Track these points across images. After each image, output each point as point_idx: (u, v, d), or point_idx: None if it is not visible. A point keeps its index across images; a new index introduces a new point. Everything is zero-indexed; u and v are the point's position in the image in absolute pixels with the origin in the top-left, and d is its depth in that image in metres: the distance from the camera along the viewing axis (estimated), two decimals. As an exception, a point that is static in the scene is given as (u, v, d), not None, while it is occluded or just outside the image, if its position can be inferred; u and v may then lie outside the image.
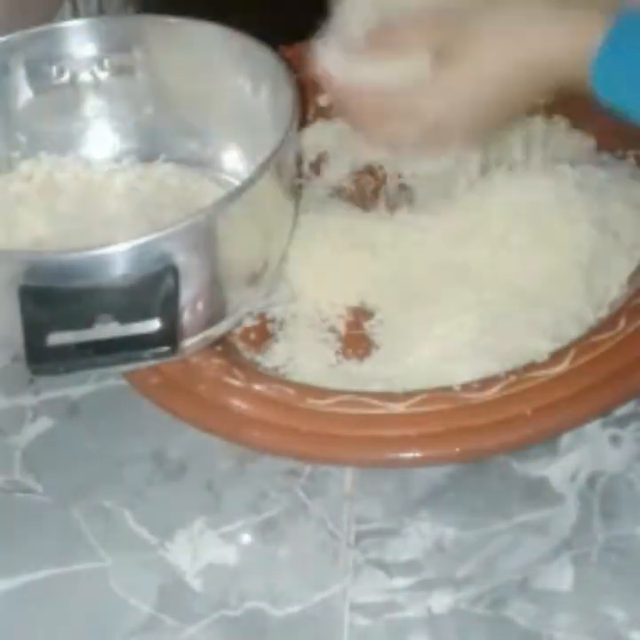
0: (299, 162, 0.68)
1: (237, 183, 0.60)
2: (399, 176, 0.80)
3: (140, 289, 0.56)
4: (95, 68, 0.74)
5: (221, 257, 0.61)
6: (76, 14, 0.91)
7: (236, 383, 0.63)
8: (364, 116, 0.67)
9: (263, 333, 0.70)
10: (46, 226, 0.69)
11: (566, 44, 0.60)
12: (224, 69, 0.72)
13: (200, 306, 0.61)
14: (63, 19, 0.86)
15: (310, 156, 0.81)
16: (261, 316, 0.71)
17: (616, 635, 0.55)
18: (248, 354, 0.69)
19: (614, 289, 0.67)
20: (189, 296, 0.59)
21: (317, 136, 0.83)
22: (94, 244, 0.58)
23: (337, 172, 0.81)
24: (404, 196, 0.78)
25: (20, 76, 0.72)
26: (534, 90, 0.64)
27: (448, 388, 0.62)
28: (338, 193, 0.80)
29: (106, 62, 0.74)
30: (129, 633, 0.57)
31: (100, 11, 0.96)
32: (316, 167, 0.81)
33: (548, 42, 0.60)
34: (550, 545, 0.58)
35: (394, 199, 0.78)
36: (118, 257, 0.56)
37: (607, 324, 0.63)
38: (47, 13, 0.86)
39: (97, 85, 0.75)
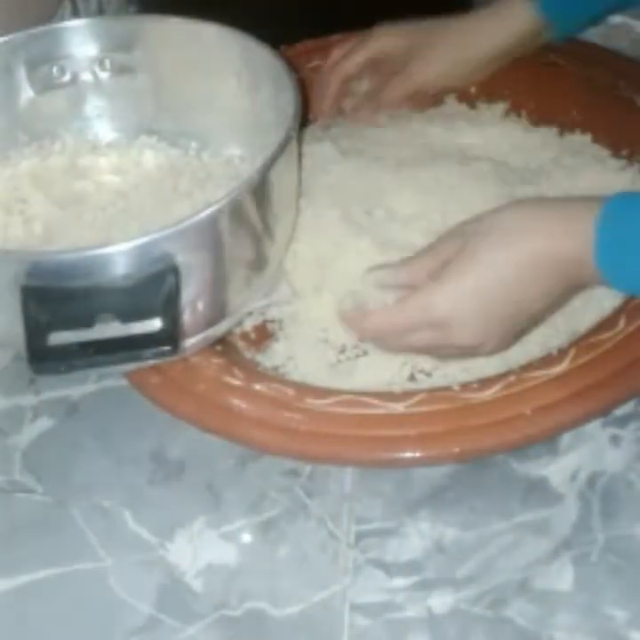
0: (299, 162, 0.68)
1: (238, 183, 0.60)
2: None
3: (142, 288, 0.56)
4: (96, 67, 0.74)
5: (222, 257, 0.60)
6: (76, 14, 0.91)
7: (236, 383, 0.63)
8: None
9: (263, 333, 0.70)
10: (44, 226, 0.70)
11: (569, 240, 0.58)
12: (224, 69, 0.72)
13: (201, 305, 0.61)
14: (63, 19, 0.86)
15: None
16: (261, 316, 0.71)
17: (616, 635, 0.55)
18: (248, 353, 0.69)
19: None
20: (190, 296, 0.59)
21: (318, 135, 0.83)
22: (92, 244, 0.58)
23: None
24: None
25: (21, 76, 0.72)
26: (551, 288, 0.60)
27: (448, 388, 0.62)
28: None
29: (107, 62, 0.74)
30: (129, 633, 0.57)
31: (100, 11, 0.96)
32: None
33: (551, 239, 0.58)
34: (550, 545, 0.59)
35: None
36: (119, 256, 0.56)
37: (607, 323, 0.63)
38: (47, 13, 0.86)
39: (98, 85, 0.75)
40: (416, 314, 0.61)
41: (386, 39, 0.81)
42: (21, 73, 0.72)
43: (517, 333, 0.62)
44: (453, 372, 0.66)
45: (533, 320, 0.62)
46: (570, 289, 0.61)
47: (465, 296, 0.60)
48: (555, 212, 0.60)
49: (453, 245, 0.61)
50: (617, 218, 0.57)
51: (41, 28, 0.73)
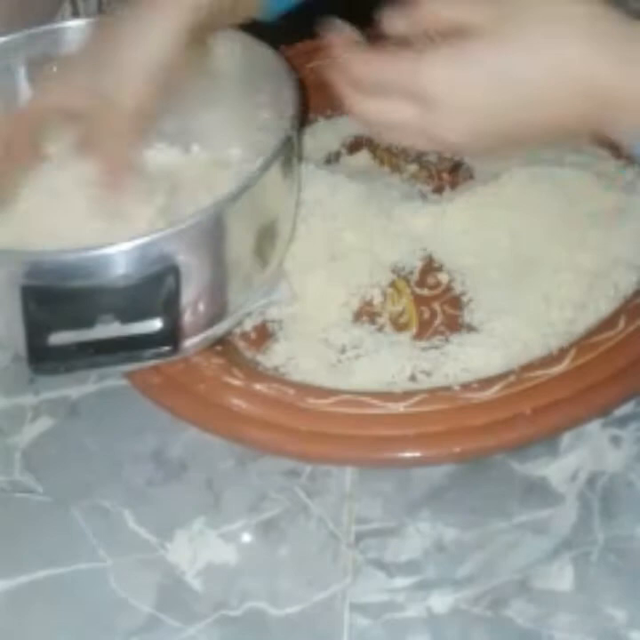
0: (299, 162, 0.68)
1: (238, 183, 0.60)
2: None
3: (142, 289, 0.56)
4: (96, 67, 0.74)
5: (222, 257, 0.61)
6: (75, 14, 0.91)
7: (236, 383, 0.63)
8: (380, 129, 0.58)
9: (263, 333, 0.70)
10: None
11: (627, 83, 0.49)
12: (224, 69, 0.72)
13: (201, 306, 0.61)
14: (63, 19, 0.86)
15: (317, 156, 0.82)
16: (261, 316, 0.71)
17: (616, 635, 0.55)
18: (248, 353, 0.69)
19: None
20: (190, 296, 0.59)
21: (318, 135, 0.83)
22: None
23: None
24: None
25: (21, 76, 0.72)
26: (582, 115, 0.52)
27: (448, 388, 0.62)
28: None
29: (107, 62, 0.74)
30: (129, 633, 0.57)
31: (100, 11, 0.96)
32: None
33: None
34: (550, 545, 0.58)
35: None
36: (120, 257, 0.56)
37: (607, 324, 0.63)
38: (47, 13, 0.86)
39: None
40: (404, 75, 0.52)
41: None
42: (22, 73, 0.72)
43: (509, 146, 0.56)
44: (454, 372, 0.66)
45: (535, 138, 0.54)
46: (592, 118, 0.52)
47: (471, 78, 0.51)
48: (617, 26, 0.50)
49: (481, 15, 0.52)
50: None
51: (41, 28, 0.73)
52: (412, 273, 0.73)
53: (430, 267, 0.73)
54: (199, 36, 0.64)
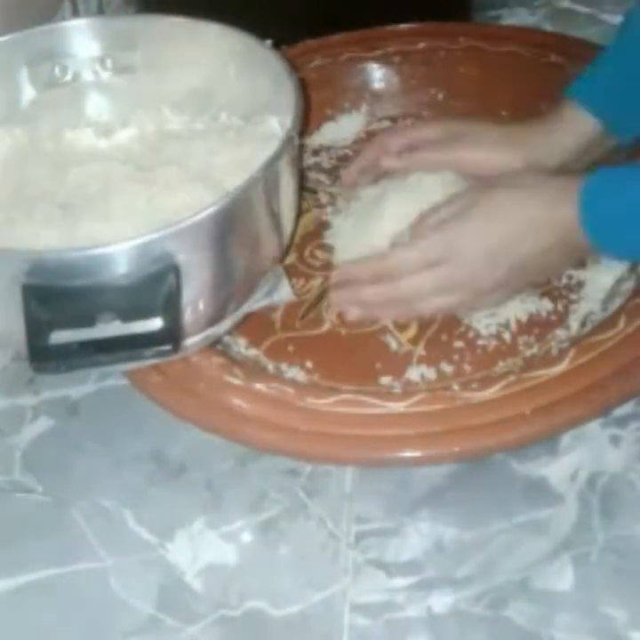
0: (300, 161, 0.68)
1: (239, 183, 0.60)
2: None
3: (142, 288, 0.56)
4: (97, 67, 0.74)
5: (223, 256, 0.61)
6: (75, 14, 0.91)
7: (236, 382, 0.63)
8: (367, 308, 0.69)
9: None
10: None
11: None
12: (225, 69, 0.72)
13: (201, 305, 0.61)
14: (63, 19, 0.86)
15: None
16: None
17: (616, 635, 0.55)
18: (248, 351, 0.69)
19: None
20: (191, 295, 0.59)
21: (319, 135, 0.84)
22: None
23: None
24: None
25: (23, 76, 0.72)
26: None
27: (448, 388, 0.62)
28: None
29: (108, 61, 0.74)
30: (129, 633, 0.57)
31: (100, 11, 0.96)
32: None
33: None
34: (550, 545, 0.59)
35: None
36: (121, 256, 0.56)
37: (607, 323, 0.63)
38: (47, 13, 0.86)
39: (99, 84, 0.75)
40: (412, 254, 0.66)
41: (438, 125, 0.77)
42: (23, 72, 0.72)
43: (519, 284, 0.67)
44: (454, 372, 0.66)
45: (535, 273, 0.67)
46: (570, 248, 0.65)
47: (464, 235, 0.64)
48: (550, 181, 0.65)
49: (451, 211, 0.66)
50: (598, 193, 0.62)
51: (43, 28, 0.73)
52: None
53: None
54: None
